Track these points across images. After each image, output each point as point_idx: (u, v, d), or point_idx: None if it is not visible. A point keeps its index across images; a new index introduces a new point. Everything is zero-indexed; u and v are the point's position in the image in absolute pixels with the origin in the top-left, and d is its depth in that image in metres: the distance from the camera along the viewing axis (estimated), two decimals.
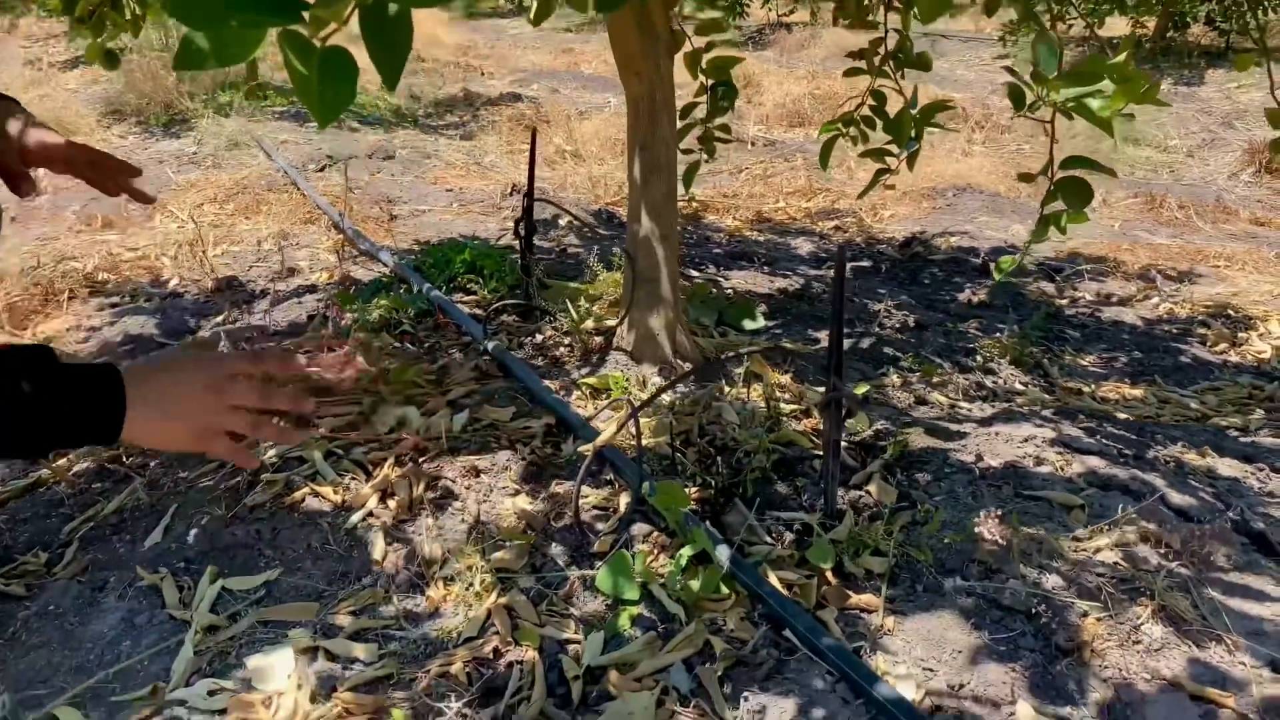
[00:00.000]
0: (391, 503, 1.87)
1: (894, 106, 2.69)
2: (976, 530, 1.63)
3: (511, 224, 4.27)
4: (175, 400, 0.89)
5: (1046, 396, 2.75)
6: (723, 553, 1.58)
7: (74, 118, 6.21)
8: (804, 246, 4.29)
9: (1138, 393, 2.86)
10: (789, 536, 1.71)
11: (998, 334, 3.15)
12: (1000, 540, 1.57)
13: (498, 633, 1.55)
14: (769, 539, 1.70)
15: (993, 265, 3.94)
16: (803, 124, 7.86)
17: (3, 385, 0.80)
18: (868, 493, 1.84)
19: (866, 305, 3.32)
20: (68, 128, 5.83)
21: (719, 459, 1.93)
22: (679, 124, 2.96)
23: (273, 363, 0.98)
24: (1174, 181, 6.24)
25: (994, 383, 2.79)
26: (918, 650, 1.43)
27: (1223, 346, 3.27)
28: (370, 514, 1.85)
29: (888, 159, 2.87)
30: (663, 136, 2.40)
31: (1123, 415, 2.58)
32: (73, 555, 1.87)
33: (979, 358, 2.89)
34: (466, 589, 1.64)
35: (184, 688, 1.51)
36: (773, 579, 1.58)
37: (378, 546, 1.76)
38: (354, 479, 1.96)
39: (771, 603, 1.50)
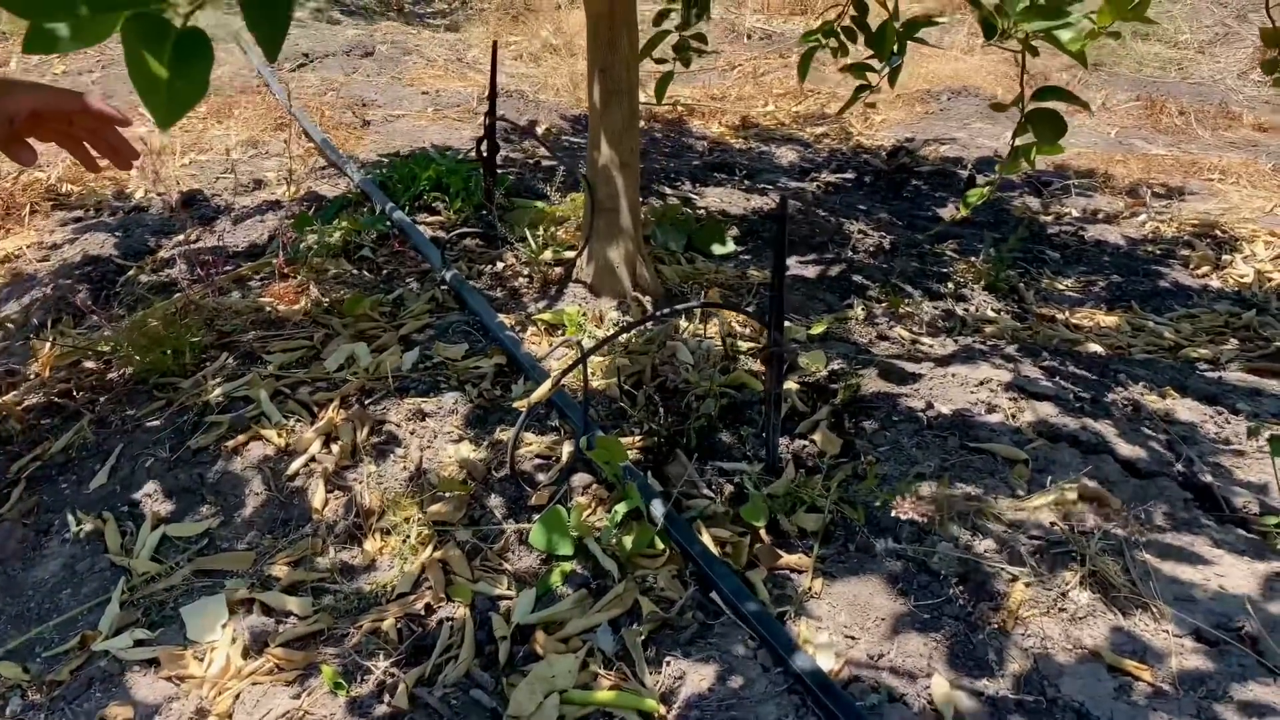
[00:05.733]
0: (334, 448, 1.86)
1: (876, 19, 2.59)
2: (905, 498, 1.62)
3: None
4: None
5: (1017, 325, 2.70)
6: (657, 509, 1.58)
7: None
8: (788, 156, 4.18)
9: (1112, 320, 2.82)
10: (729, 490, 1.70)
11: (975, 256, 3.09)
12: (927, 515, 1.55)
13: (431, 588, 1.56)
14: (708, 492, 1.69)
15: (963, 193, 3.84)
16: (805, 11, 7.58)
17: None
18: (812, 441, 1.82)
19: (841, 225, 3.25)
20: None
21: (665, 406, 1.90)
22: (652, 32, 2.85)
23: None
24: (1181, 80, 6.04)
25: (964, 310, 2.75)
26: (842, 616, 1.43)
27: (1205, 270, 3.21)
28: (313, 459, 1.84)
29: (869, 75, 2.77)
30: (623, 58, 2.30)
31: (1093, 347, 2.54)
32: (19, 496, 1.88)
33: (951, 284, 2.84)
34: (403, 542, 1.64)
35: (113, 638, 1.52)
36: (706, 537, 1.57)
37: (318, 495, 1.76)
38: (299, 421, 1.94)
39: (701, 563, 1.49)
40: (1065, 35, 1.92)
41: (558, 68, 5.20)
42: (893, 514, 1.59)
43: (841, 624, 1.42)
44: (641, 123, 4.81)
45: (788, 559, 1.54)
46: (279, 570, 1.63)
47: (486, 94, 4.61)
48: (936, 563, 1.49)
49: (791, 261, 2.82)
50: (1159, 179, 4.00)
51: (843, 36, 2.94)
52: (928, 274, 2.91)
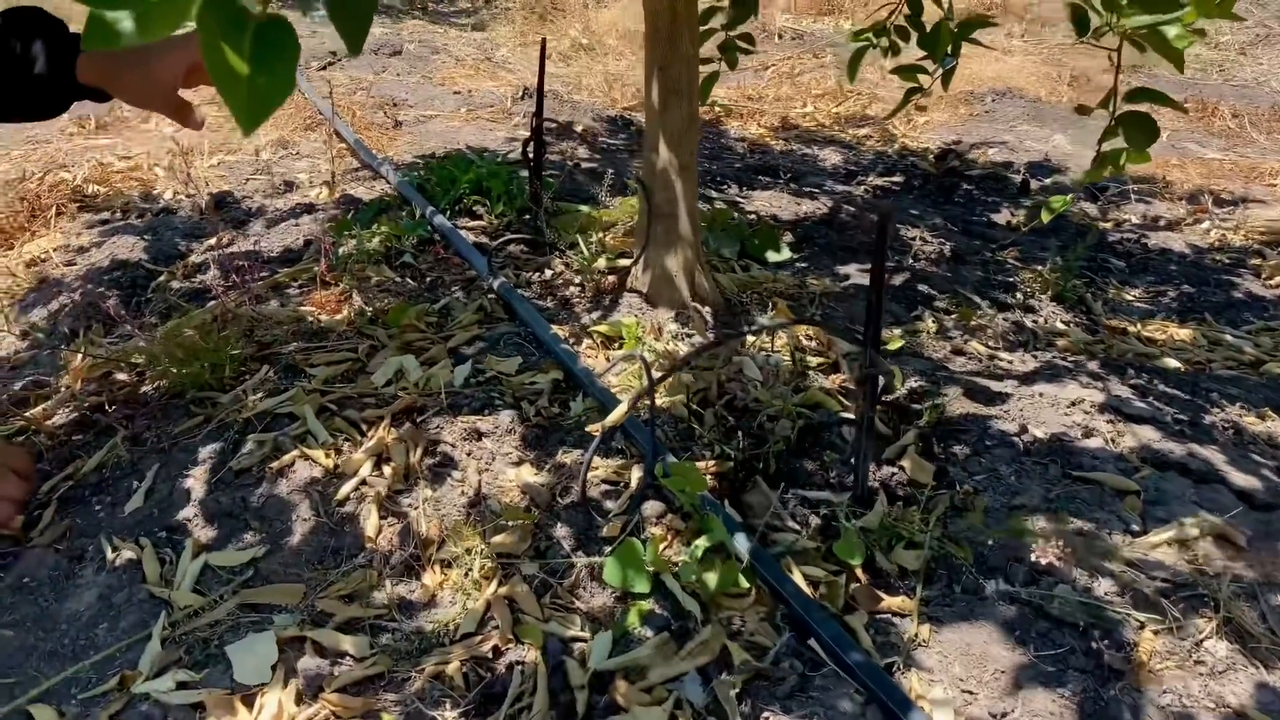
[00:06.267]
0: (386, 470, 1.74)
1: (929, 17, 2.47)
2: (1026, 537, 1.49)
3: (522, 133, 4.05)
4: None
5: (1089, 338, 2.57)
6: (742, 545, 1.45)
7: (66, 4, 5.90)
8: (831, 158, 4.04)
9: (1186, 334, 2.67)
10: (815, 522, 1.58)
11: (1038, 265, 2.95)
12: (1055, 559, 1.41)
13: (497, 628, 1.43)
14: (793, 525, 1.57)
15: (1040, 196, 3.70)
16: (833, 11, 7.46)
17: None
18: (902, 469, 1.69)
19: (898, 230, 3.11)
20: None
21: (739, 427, 1.78)
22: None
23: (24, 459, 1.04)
24: (1224, 82, 5.88)
25: (1034, 322, 2.61)
26: (956, 668, 1.30)
27: (1278, 280, 3.06)
28: (364, 483, 1.72)
29: (920, 76, 2.66)
30: (684, 55, 2.17)
31: (1171, 362, 2.40)
32: (50, 518, 1.76)
33: (1019, 294, 2.70)
34: (465, 575, 1.52)
35: (155, 679, 1.41)
36: (796, 575, 1.44)
37: (370, 522, 1.63)
38: (347, 440, 1.82)
39: (795, 605, 1.37)
40: (1172, 32, 1.79)
41: (590, 67, 5.08)
42: (1004, 552, 1.46)
43: (956, 676, 1.29)
44: None
45: (889, 601, 1.41)
46: (331, 605, 1.51)
47: (520, 94, 4.51)
48: (1056, 608, 1.35)
49: (852, 269, 2.69)
50: (1219, 185, 3.86)
51: (894, 36, 2.82)
52: (992, 283, 2.78)
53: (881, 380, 1.46)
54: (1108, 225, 3.50)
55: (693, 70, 2.20)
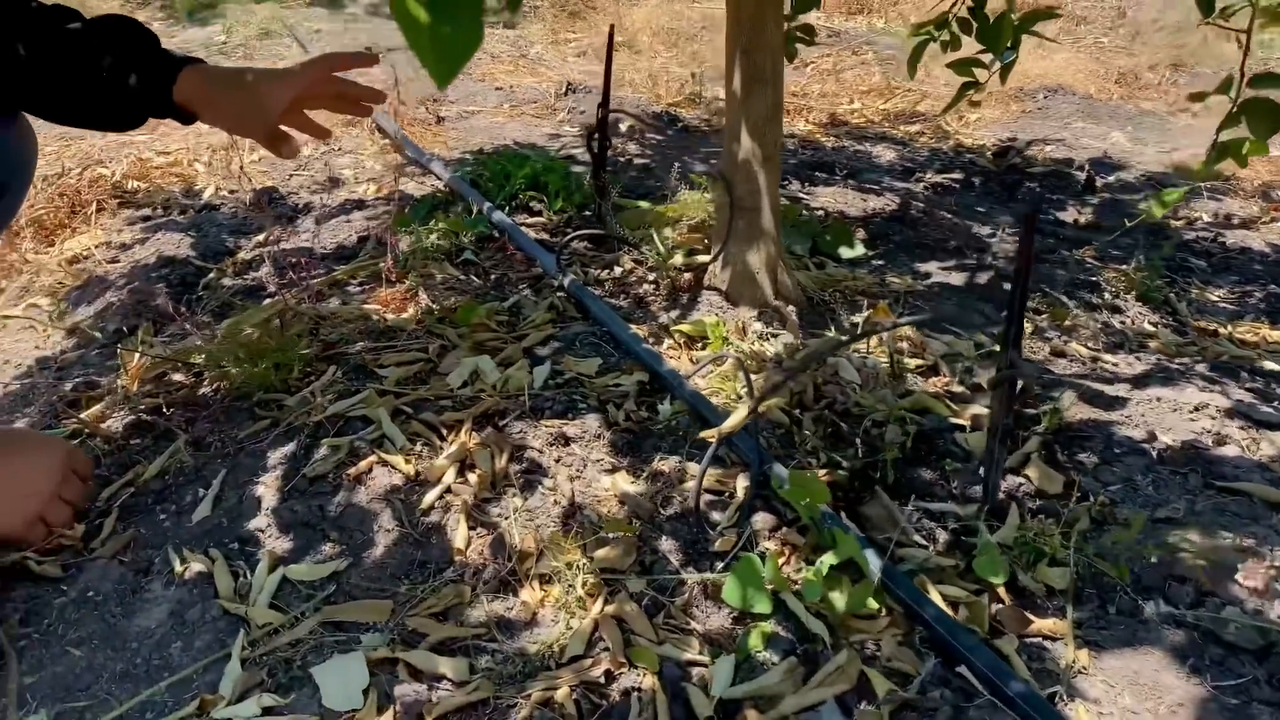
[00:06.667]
0: (472, 477, 1.63)
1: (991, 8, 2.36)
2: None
3: (569, 128, 3.94)
4: (17, 485, 0.90)
5: (1179, 339, 2.44)
6: (873, 562, 1.33)
7: (94, 2, 5.83)
8: (886, 155, 3.92)
9: (1279, 335, 2.55)
10: (942, 536, 1.46)
11: (1117, 263, 2.83)
12: (1262, 583, 1.29)
13: (608, 649, 1.32)
14: (920, 540, 1.45)
15: (1105, 194, 3.58)
16: (863, 11, 7.36)
17: None
18: (1027, 478, 1.57)
19: (970, 228, 2.99)
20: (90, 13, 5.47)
21: (844, 433, 1.66)
22: None
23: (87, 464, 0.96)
24: None
25: (1122, 323, 2.49)
26: (1126, 698, 1.18)
27: None
28: (448, 490, 1.61)
29: (976, 70, 2.56)
30: (769, 41, 2.06)
31: (1269, 364, 2.28)
32: (112, 528, 1.65)
33: (1105, 294, 2.58)
34: (567, 592, 1.41)
35: (237, 704, 1.30)
36: (934, 595, 1.33)
37: (459, 533, 1.52)
38: (426, 445, 1.71)
39: (939, 629, 1.25)
40: None
41: (631, 63, 4.97)
42: (1157, 570, 1.34)
43: (1127, 708, 1.17)
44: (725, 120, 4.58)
45: (1039, 624, 1.29)
46: (423, 623, 1.39)
47: (564, 90, 4.41)
48: (1231, 633, 1.23)
49: (932, 267, 2.57)
50: None
51: (956, 28, 2.71)
52: (1076, 282, 2.65)
53: (1020, 386, 1.34)
54: (1179, 223, 3.37)
55: (777, 57, 2.09)
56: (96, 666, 1.41)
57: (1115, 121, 4.50)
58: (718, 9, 6.89)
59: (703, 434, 1.52)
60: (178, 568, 1.54)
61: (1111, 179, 3.76)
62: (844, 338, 1.60)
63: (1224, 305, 2.75)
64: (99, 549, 1.61)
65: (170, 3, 6.00)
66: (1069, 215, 3.36)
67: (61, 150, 3.60)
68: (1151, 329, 2.50)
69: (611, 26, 2.45)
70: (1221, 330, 2.57)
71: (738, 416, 1.35)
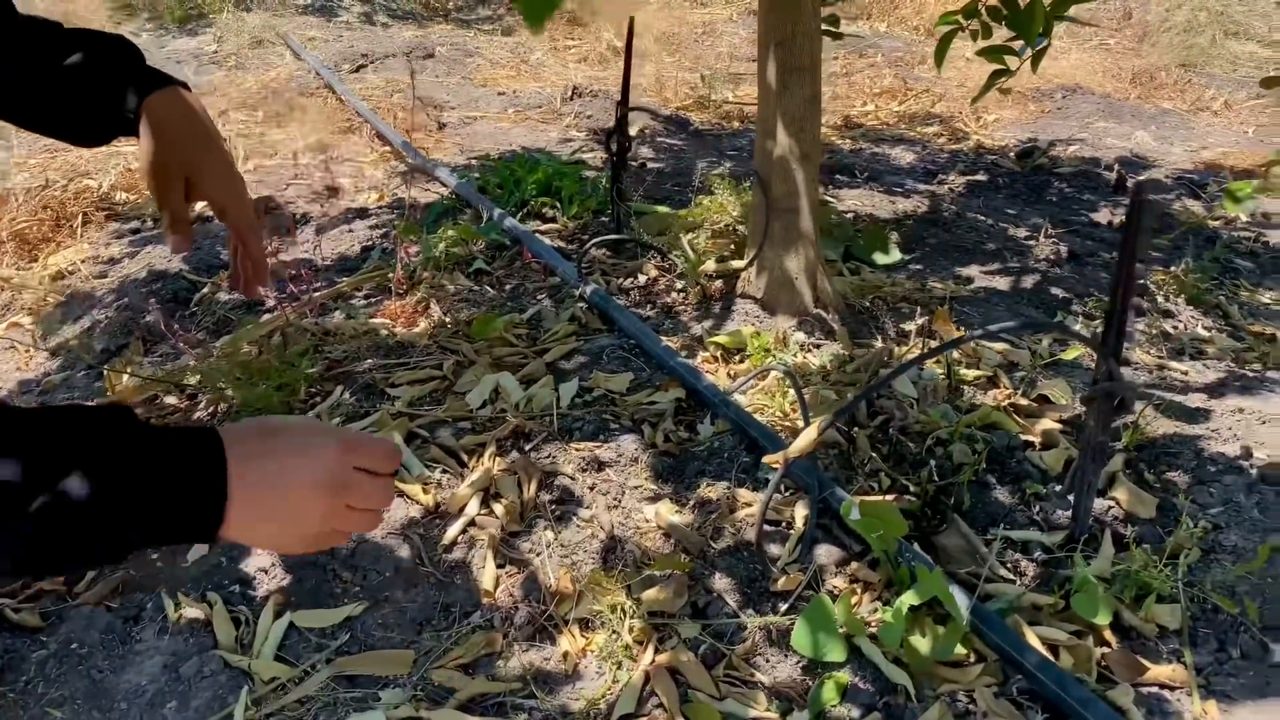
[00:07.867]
0: (498, 507, 1.47)
1: None
2: None
3: (576, 132, 3.79)
4: (286, 502, 0.68)
5: (1237, 344, 2.30)
6: (961, 601, 1.18)
7: (83, 12, 5.68)
8: (905, 157, 3.78)
9: None
10: (1029, 569, 1.30)
11: (1159, 265, 2.68)
12: None
13: (662, 707, 1.16)
14: (1005, 573, 1.29)
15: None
16: (864, 15, 7.23)
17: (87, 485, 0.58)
18: (1115, 501, 1.42)
19: (1004, 230, 2.85)
20: (76, 23, 5.32)
21: (905, 453, 1.51)
22: None
23: (380, 457, 0.73)
24: None
25: (1174, 328, 2.34)
26: None
27: None
28: (472, 523, 1.45)
29: (1006, 57, 2.42)
30: (806, 27, 1.92)
31: None
32: (99, 571, 1.49)
33: (1157, 297, 2.43)
34: (612, 639, 1.25)
35: None
36: (1031, 638, 1.17)
37: (487, 571, 1.36)
38: (445, 472, 1.55)
39: (1045, 679, 1.09)
40: None
41: (635, 67, 4.82)
42: (1276, 603, 1.19)
43: None
44: (736, 123, 4.44)
45: (1155, 670, 1.13)
46: (449, 677, 1.23)
47: (569, 94, 4.26)
48: None
49: (973, 270, 2.42)
50: None
51: (986, 16, 2.56)
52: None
53: (1119, 401, 1.19)
54: (1216, 223, 3.23)
55: (816, 44, 1.94)
56: None
57: (1137, 121, 4.36)
58: (717, 14, 6.78)
59: (765, 459, 1.36)
60: (172, 614, 1.38)
61: (1142, 179, 3.62)
62: (924, 351, 1.45)
63: (1276, 308, 2.61)
64: (84, 593, 1.45)
65: (159, 13, 5.85)
66: (1102, 217, 3.21)
67: (47, 162, 3.44)
68: (1206, 334, 2.35)
69: (631, 19, 2.31)
70: (1278, 334, 2.43)
71: (806, 439, 1.19)
